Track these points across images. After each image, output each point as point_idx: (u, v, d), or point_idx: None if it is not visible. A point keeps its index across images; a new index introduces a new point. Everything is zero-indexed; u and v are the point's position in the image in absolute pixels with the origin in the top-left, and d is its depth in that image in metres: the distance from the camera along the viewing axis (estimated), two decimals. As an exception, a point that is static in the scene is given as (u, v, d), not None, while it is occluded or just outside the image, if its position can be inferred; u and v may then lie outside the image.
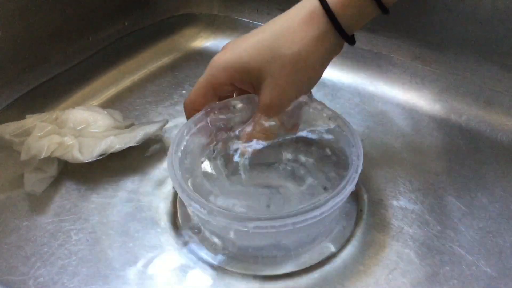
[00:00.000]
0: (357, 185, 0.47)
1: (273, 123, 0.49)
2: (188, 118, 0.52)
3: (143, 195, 0.56)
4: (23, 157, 0.56)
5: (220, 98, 0.52)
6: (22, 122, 0.59)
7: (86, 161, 0.56)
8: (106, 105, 0.68)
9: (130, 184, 0.57)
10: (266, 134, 0.50)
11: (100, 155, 0.57)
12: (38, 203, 0.55)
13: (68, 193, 0.56)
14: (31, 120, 0.59)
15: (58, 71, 0.70)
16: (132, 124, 0.63)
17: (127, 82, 0.73)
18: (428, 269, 0.49)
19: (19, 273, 0.49)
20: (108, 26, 0.75)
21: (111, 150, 0.57)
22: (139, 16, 0.79)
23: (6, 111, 0.64)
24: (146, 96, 0.70)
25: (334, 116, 0.51)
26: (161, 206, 0.55)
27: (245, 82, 0.49)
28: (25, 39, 0.65)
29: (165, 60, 0.77)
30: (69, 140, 0.57)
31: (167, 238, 0.51)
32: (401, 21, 0.72)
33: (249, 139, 0.50)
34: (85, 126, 0.60)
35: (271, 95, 0.48)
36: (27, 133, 0.58)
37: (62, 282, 0.48)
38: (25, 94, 0.67)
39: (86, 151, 0.56)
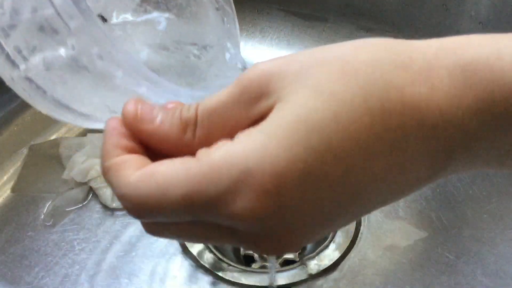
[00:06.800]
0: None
1: None
2: None
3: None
4: (65, 175, 0.56)
5: None
6: (81, 138, 0.59)
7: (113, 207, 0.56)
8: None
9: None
10: None
11: None
12: (42, 213, 0.55)
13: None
14: (90, 139, 0.59)
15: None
16: None
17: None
18: (426, 278, 0.49)
19: (23, 282, 0.49)
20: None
21: None
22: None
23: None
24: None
25: None
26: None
27: None
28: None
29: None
30: None
31: (171, 247, 0.52)
32: (400, 21, 0.72)
33: None
34: None
35: None
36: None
37: (66, 292, 0.49)
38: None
39: None
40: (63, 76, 0.31)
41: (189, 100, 0.30)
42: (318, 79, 0.23)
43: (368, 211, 0.25)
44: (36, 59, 0.30)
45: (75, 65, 0.29)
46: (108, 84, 0.29)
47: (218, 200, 0.23)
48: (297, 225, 0.24)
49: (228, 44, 0.41)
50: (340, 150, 0.22)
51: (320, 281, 0.49)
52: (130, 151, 0.25)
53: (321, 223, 0.24)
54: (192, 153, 0.24)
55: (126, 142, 0.25)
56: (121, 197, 0.25)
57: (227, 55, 0.41)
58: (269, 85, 0.23)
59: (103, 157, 0.25)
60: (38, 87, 0.31)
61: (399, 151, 0.23)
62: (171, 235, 0.27)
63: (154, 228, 0.27)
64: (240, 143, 0.23)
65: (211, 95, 0.27)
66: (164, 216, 0.24)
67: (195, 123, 0.24)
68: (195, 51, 0.42)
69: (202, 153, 0.24)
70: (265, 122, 0.23)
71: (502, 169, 0.25)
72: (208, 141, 0.24)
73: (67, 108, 0.33)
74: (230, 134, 0.24)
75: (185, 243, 0.52)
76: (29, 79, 0.31)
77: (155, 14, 0.42)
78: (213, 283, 0.49)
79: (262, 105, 0.24)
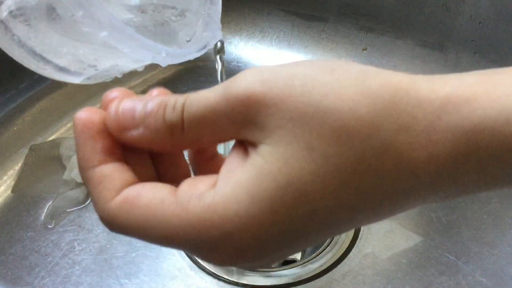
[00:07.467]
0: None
1: None
2: None
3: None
4: (65, 176, 0.56)
5: None
6: None
7: None
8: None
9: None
10: None
11: None
12: (42, 213, 0.55)
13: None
14: None
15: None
16: None
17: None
18: (425, 279, 0.50)
19: (23, 282, 0.49)
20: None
21: None
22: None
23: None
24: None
25: None
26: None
27: None
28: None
29: (163, 70, 0.77)
30: None
31: (170, 248, 0.52)
32: (400, 21, 0.72)
33: None
34: None
35: None
36: None
37: (66, 292, 0.49)
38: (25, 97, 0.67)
39: None
40: (34, 22, 0.31)
41: (157, 54, 0.31)
42: (312, 137, 0.22)
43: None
44: (9, 2, 0.30)
45: (45, 10, 0.29)
46: (76, 31, 0.29)
47: (196, 250, 0.24)
48: (274, 257, 0.25)
49: (209, 11, 0.41)
50: (323, 214, 0.23)
51: (320, 281, 0.49)
52: (108, 153, 0.25)
53: (298, 250, 0.26)
54: (177, 149, 0.25)
55: (103, 144, 0.25)
56: (99, 217, 0.25)
57: (205, 22, 0.41)
58: (261, 116, 0.23)
59: (80, 163, 0.25)
60: (10, 31, 0.31)
61: (386, 206, 0.23)
62: None
63: None
64: (222, 198, 0.23)
65: (179, 54, 0.26)
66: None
67: (182, 128, 0.24)
68: (173, 16, 0.43)
69: (182, 196, 0.23)
70: (251, 177, 0.23)
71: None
72: (196, 143, 0.25)
73: (42, 58, 0.33)
74: (219, 139, 0.24)
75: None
76: (2, 22, 0.31)
77: None
78: (214, 284, 0.49)
79: (250, 133, 0.23)
